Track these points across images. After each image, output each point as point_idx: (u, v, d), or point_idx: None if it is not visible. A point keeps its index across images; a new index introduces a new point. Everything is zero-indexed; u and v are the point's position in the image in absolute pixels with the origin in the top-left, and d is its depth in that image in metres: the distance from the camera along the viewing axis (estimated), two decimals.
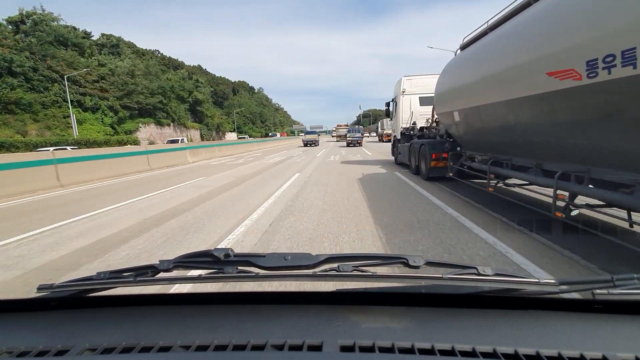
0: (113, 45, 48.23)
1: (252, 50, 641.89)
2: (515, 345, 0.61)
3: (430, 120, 9.62)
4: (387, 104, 12.89)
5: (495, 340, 0.64)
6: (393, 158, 13.18)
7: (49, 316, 0.83)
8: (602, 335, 0.67)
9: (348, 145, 28.04)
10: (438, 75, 11.76)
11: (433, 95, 10.76)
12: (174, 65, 67.35)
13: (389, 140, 29.94)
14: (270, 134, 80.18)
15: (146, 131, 42.34)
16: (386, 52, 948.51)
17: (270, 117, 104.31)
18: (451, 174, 6.63)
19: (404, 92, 11.29)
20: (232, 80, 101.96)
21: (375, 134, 46.12)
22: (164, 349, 0.64)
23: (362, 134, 29.47)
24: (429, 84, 11.17)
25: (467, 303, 0.79)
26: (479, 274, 0.76)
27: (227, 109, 76.81)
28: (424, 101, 11.03)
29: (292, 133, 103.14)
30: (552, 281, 0.73)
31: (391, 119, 13.26)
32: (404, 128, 11.24)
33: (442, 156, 7.35)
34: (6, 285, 2.86)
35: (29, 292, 2.49)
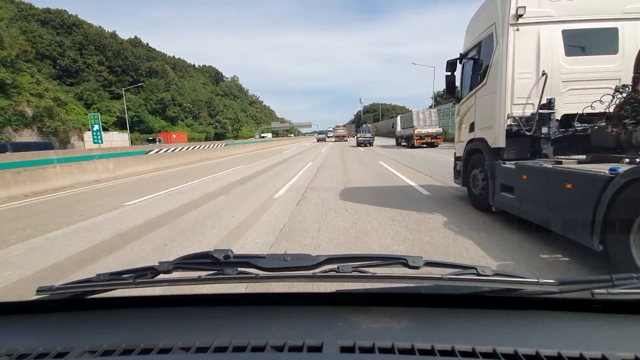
0: None
1: (248, 49, 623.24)
2: (515, 345, 0.61)
3: (629, 91, 3.41)
4: (451, 65, 5.32)
5: (495, 341, 0.63)
6: (455, 185, 6.18)
7: (48, 318, 0.82)
8: (601, 335, 0.67)
9: (359, 145, 27.28)
10: None
11: (612, 24, 4.00)
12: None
13: (423, 145, 20.98)
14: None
15: None
16: (384, 52, 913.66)
17: (230, 110, 73.64)
18: None
19: (519, 17, 3.93)
20: (192, 64, 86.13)
21: (370, 135, 29.99)
22: (164, 351, 0.64)
23: (372, 134, 29.04)
24: None
25: (466, 303, 0.78)
26: (479, 274, 0.75)
27: (145, 91, 51.77)
28: (579, 43, 4.05)
29: (275, 134, 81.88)
30: (552, 281, 0.73)
31: (457, 101, 5.74)
32: (514, 118, 4.11)
33: None
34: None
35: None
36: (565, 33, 3.95)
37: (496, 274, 0.75)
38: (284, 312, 0.79)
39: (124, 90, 40.36)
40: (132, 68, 53.98)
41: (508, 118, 4.09)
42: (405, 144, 24.56)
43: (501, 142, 4.17)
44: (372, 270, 0.79)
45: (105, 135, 33.41)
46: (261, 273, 0.79)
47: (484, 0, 4.63)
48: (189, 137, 51.07)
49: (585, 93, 3.85)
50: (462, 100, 5.40)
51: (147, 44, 68.12)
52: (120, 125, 43.05)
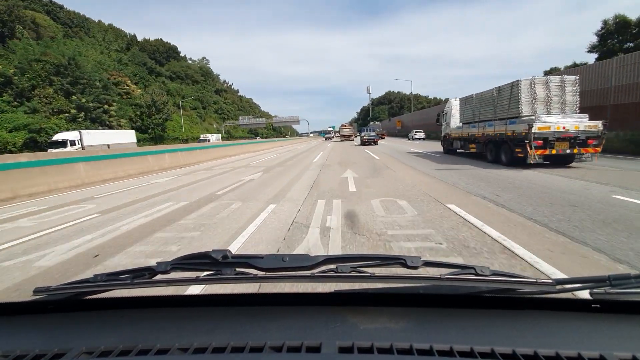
0: None
1: (248, 50, 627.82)
2: (513, 345, 0.61)
3: None
4: None
5: (493, 341, 0.64)
6: None
7: (45, 319, 0.82)
8: (599, 335, 0.67)
9: (364, 144, 27.24)
10: None
11: None
12: None
13: (547, 161, 8.66)
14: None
15: None
16: (384, 52, 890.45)
17: (147, 92, 48.07)
18: None
19: None
20: (132, 34, 66.24)
21: (374, 134, 27.29)
22: (162, 352, 0.64)
23: (377, 134, 30.37)
24: None
25: (465, 303, 0.78)
26: (477, 274, 0.75)
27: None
28: None
29: (255, 134, 64.27)
30: (549, 281, 0.73)
31: None
32: None
33: None
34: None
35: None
36: None
37: (494, 274, 0.74)
38: (283, 312, 0.78)
39: None
40: None
41: None
42: (478, 151, 11.51)
43: None
44: (370, 270, 0.78)
45: None
46: (260, 273, 0.78)
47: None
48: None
49: None
50: None
51: (65, 5, 48.67)
52: None
